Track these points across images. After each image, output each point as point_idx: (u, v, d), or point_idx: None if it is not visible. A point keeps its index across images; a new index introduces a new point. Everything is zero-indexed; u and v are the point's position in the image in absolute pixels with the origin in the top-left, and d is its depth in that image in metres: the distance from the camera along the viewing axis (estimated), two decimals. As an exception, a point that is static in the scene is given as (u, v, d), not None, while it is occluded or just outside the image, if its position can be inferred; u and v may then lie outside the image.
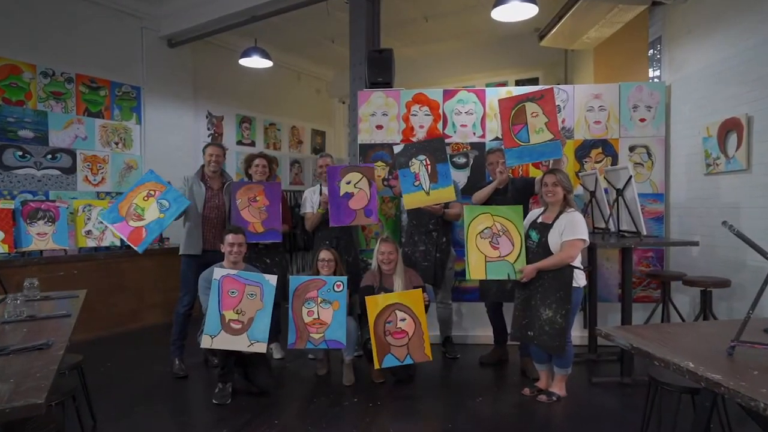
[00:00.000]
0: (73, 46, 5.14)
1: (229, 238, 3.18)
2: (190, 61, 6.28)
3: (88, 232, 4.61)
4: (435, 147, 3.59)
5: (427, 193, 3.56)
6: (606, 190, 3.64)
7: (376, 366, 3.15)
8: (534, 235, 3.04)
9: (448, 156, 3.70)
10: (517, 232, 3.04)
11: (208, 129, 6.66)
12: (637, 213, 3.16)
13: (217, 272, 3.02)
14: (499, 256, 3.06)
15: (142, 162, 5.73)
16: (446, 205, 3.72)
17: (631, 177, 3.17)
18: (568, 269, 2.90)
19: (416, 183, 3.57)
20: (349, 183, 3.66)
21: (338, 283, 3.23)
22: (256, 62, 5.48)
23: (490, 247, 3.07)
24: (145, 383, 3.44)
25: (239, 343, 2.98)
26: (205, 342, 2.94)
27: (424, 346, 3.21)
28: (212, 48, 6.56)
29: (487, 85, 6.17)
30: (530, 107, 3.31)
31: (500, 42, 7.06)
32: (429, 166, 3.56)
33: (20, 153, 4.72)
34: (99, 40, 5.35)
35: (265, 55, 5.42)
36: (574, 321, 3.03)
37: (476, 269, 3.08)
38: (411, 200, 3.57)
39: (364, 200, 3.66)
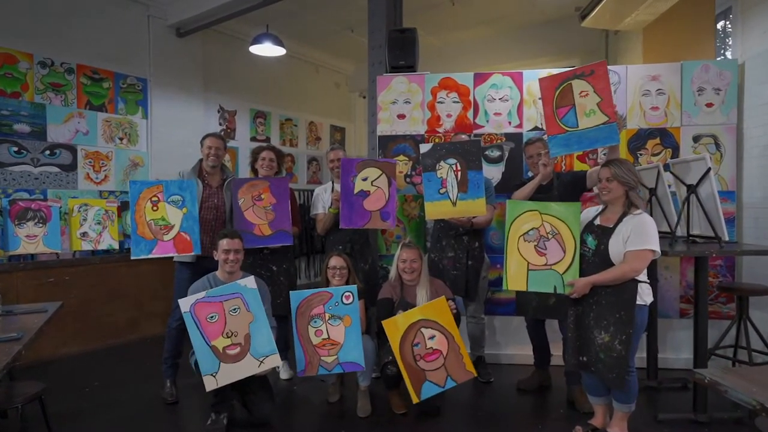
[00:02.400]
0: (74, 34, 4.79)
1: (224, 243, 2.73)
2: (200, 52, 5.90)
3: (84, 234, 4.24)
4: (469, 151, 3.06)
5: (454, 204, 3.03)
6: (669, 187, 3.06)
7: (415, 399, 2.65)
8: (590, 240, 2.48)
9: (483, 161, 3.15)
10: (570, 236, 2.49)
11: (220, 124, 6.27)
12: (717, 214, 2.58)
13: (183, 303, 2.55)
14: (546, 264, 2.51)
15: (148, 159, 5.37)
16: None
17: (709, 170, 2.59)
18: (631, 284, 2.34)
19: (442, 190, 3.05)
20: (365, 180, 3.17)
21: (347, 294, 2.74)
22: (268, 50, 5.06)
23: (535, 253, 2.53)
24: (131, 409, 3.01)
25: (247, 368, 2.53)
26: (209, 384, 2.48)
27: (463, 362, 2.71)
28: (224, 38, 6.17)
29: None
30: (578, 85, 2.74)
31: (532, 28, 6.50)
32: (459, 173, 3.04)
33: (15, 149, 4.38)
34: (102, 29, 4.99)
35: (278, 42, 4.98)
36: (638, 346, 2.47)
37: (516, 278, 2.55)
38: (434, 210, 3.07)
39: (381, 200, 3.16)
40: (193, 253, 2.94)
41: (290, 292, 2.76)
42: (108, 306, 4.29)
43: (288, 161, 7.09)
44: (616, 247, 2.37)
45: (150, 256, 2.92)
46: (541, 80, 2.87)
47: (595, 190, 3.63)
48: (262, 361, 2.53)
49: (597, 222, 2.52)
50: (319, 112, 7.66)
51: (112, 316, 4.31)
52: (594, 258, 2.45)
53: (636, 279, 2.35)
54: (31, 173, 4.48)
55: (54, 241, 3.96)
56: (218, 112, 6.25)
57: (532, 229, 2.56)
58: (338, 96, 8.10)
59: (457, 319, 2.82)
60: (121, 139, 5.18)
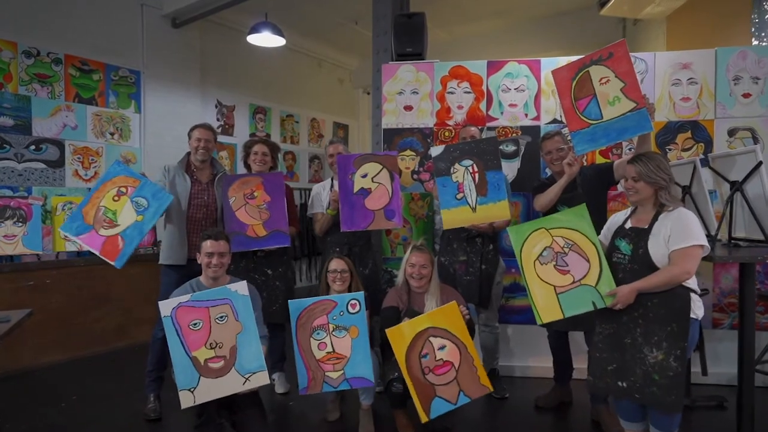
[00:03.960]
0: (62, 23, 4.53)
1: (207, 246, 2.44)
2: (197, 44, 5.63)
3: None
4: (485, 149, 2.75)
5: (473, 210, 2.72)
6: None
7: (424, 419, 2.34)
8: (624, 245, 2.17)
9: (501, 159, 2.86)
10: (588, 242, 2.17)
11: (218, 119, 6.00)
12: None
13: (164, 306, 2.26)
14: (574, 282, 2.17)
15: (141, 155, 5.11)
16: None
17: (760, 164, 2.28)
18: (682, 291, 2.03)
19: (459, 195, 2.74)
20: (365, 176, 2.88)
21: (353, 302, 2.45)
22: (266, 39, 4.78)
23: (557, 273, 2.19)
24: (108, 426, 2.73)
25: (230, 385, 2.24)
26: (186, 400, 2.19)
27: (478, 375, 2.39)
28: (222, 30, 5.91)
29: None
30: (597, 72, 2.43)
31: (545, 20, 6.20)
32: (476, 174, 2.73)
33: (-2, 143, 4.13)
34: (92, 17, 4.73)
35: (277, 32, 4.70)
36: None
37: (547, 309, 2.19)
38: (452, 218, 2.76)
39: (384, 198, 2.87)
40: (113, 264, 2.61)
41: (289, 301, 2.47)
42: (94, 311, 4.02)
43: (289, 159, 6.83)
44: (657, 248, 2.06)
45: (74, 238, 2.63)
46: (554, 72, 2.57)
47: (620, 187, 3.34)
48: (247, 378, 2.24)
49: (629, 225, 2.21)
50: (321, 109, 7.39)
51: (99, 322, 4.04)
52: (632, 264, 2.13)
53: (687, 287, 2.04)
54: (14, 169, 4.23)
55: (34, 241, 3.69)
56: (216, 107, 5.98)
57: (544, 249, 2.22)
58: (342, 92, 7.82)
59: (471, 327, 2.53)
60: (112, 134, 4.92)
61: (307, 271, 6.77)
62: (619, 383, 2.14)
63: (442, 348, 2.38)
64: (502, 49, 6.56)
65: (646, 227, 2.12)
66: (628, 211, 2.27)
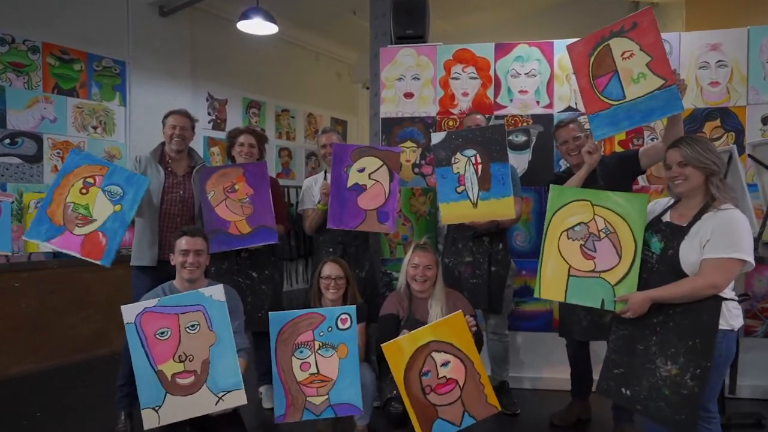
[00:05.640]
0: (40, 8, 4.24)
1: (181, 243, 2.15)
2: (187, 34, 5.34)
3: (42, 234, 3.68)
4: (491, 138, 2.47)
5: (474, 205, 2.46)
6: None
7: None
8: (655, 242, 1.88)
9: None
10: (630, 237, 1.89)
11: (209, 114, 5.71)
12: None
13: (127, 311, 1.98)
14: (593, 271, 1.93)
15: (126, 150, 4.82)
16: None
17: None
18: (712, 302, 1.75)
19: (459, 189, 2.47)
20: (362, 171, 2.60)
21: (343, 316, 2.14)
22: (258, 26, 4.49)
23: (580, 254, 1.95)
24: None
25: (201, 405, 1.95)
26: (149, 420, 1.91)
27: (485, 393, 2.09)
28: (214, 19, 5.62)
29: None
30: (618, 45, 2.13)
31: (553, 9, 5.88)
32: (479, 166, 2.46)
33: (-32, 136, 3.85)
34: (73, 3, 4.44)
35: (269, 18, 4.41)
36: (720, 384, 1.88)
37: (552, 285, 1.99)
38: (450, 213, 2.51)
39: (379, 197, 2.59)
40: (100, 263, 2.32)
41: (270, 313, 2.17)
42: (70, 316, 3.72)
43: (285, 156, 6.54)
44: (689, 252, 1.77)
45: (45, 243, 2.33)
46: (569, 47, 2.28)
47: (641, 183, 3.04)
48: (221, 398, 1.95)
49: (667, 218, 1.92)
50: (318, 104, 7.10)
51: (76, 328, 3.74)
52: (659, 266, 1.85)
53: (719, 295, 1.75)
54: (-13, 164, 3.95)
55: (3, 241, 3.38)
56: (207, 100, 5.69)
57: (579, 223, 1.97)
58: (340, 87, 7.54)
59: (479, 340, 2.23)
60: (95, 128, 4.63)
61: (303, 273, 6.48)
62: (623, 390, 1.91)
63: (445, 364, 2.08)
64: (507, 41, 6.27)
65: (684, 225, 1.83)
66: (669, 200, 1.98)
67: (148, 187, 2.42)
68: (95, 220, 2.38)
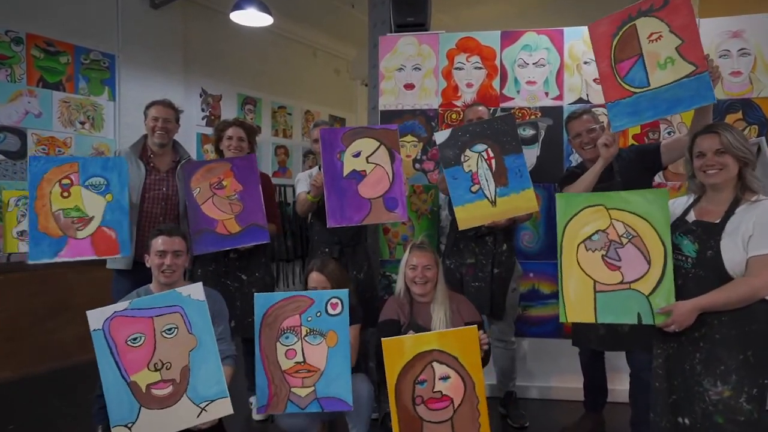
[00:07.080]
0: (24, -2, 4.07)
1: (158, 243, 1.97)
2: (180, 27, 5.15)
3: (22, 233, 3.49)
4: (500, 130, 2.29)
5: (493, 203, 2.25)
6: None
7: None
8: (687, 244, 1.69)
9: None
10: (656, 238, 1.70)
11: (203, 110, 5.53)
12: None
13: (93, 317, 1.81)
14: (622, 283, 1.72)
15: (115, 146, 4.62)
16: None
17: None
18: (762, 307, 1.56)
19: (474, 188, 2.27)
20: (357, 155, 2.36)
21: (334, 301, 1.96)
22: (251, 18, 4.31)
23: (604, 266, 1.74)
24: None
25: (182, 418, 1.78)
26: None
27: (479, 422, 1.89)
28: (208, 13, 5.43)
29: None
30: (646, 25, 1.94)
31: (556, 1, 5.71)
32: (492, 161, 2.27)
33: (-53, 131, 3.66)
34: (59, -7, 4.27)
35: (263, 8, 4.22)
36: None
37: (579, 306, 1.75)
38: (468, 215, 2.28)
39: (383, 182, 2.35)
40: (121, 256, 2.15)
41: (256, 294, 2.00)
42: (52, 321, 3.53)
43: (281, 154, 6.35)
44: (733, 251, 1.58)
45: (56, 259, 2.16)
46: (591, 27, 2.09)
47: (658, 178, 2.85)
48: (203, 409, 1.77)
49: (693, 217, 1.72)
50: (316, 101, 6.92)
51: (57, 332, 3.55)
52: (695, 270, 1.65)
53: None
54: (-34, 161, 3.77)
55: (-20, 241, 3.22)
56: (200, 96, 5.50)
57: (596, 232, 1.77)
58: (338, 83, 7.36)
59: (485, 357, 2.03)
60: (82, 123, 4.44)
61: (300, 275, 6.29)
62: (680, 419, 1.67)
63: (444, 378, 1.89)
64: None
65: (718, 221, 1.64)
66: (690, 199, 1.79)
67: (126, 164, 2.26)
68: (93, 217, 2.23)
